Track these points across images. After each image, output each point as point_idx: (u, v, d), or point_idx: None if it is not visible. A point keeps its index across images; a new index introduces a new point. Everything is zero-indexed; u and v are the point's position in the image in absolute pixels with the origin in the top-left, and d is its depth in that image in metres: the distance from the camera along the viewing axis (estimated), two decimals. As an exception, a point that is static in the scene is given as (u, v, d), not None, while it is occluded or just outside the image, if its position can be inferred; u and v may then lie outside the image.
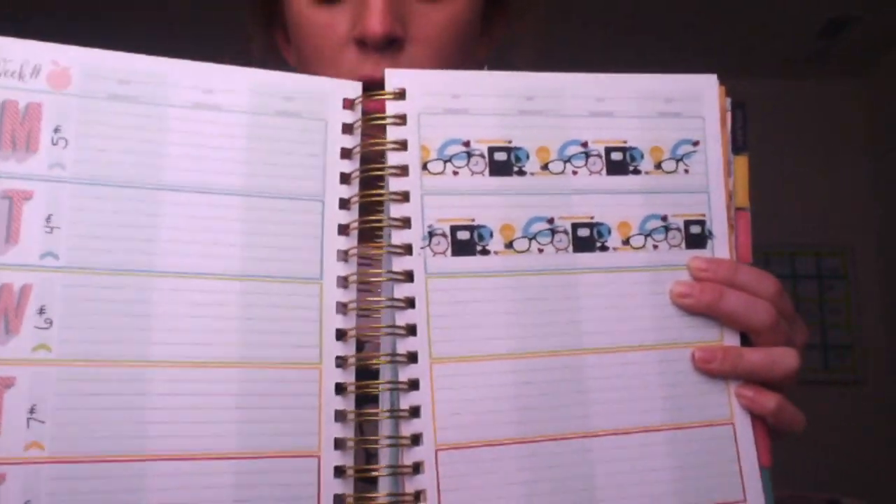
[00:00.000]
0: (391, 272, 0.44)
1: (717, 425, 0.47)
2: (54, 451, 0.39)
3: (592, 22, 3.38)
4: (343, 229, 0.45)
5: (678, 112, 0.49)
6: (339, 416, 0.43)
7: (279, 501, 0.42)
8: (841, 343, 3.69)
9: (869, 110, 3.80)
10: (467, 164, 0.46)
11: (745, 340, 0.48)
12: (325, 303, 0.44)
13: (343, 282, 0.45)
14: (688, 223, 0.48)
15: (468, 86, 0.47)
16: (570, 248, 0.46)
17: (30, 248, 0.41)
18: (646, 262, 0.47)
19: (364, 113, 0.47)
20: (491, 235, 0.45)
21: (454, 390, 0.44)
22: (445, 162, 0.46)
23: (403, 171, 0.45)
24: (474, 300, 0.45)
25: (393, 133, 0.45)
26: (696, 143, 0.49)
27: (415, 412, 0.43)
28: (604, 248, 0.47)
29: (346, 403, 0.43)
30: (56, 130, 0.42)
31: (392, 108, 0.46)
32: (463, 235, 0.45)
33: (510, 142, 0.46)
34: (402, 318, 0.44)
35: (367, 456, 0.44)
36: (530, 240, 0.46)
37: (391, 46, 0.55)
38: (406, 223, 0.45)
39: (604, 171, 0.47)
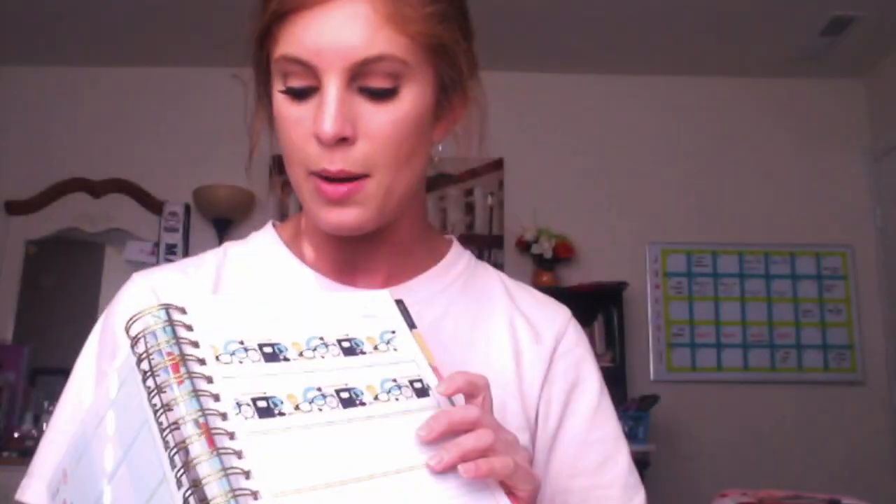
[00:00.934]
0: (215, 429, 0.52)
1: None
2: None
3: (597, 21, 3.38)
4: (166, 444, 0.52)
5: (374, 314, 0.66)
6: None
7: None
8: (841, 343, 3.70)
9: (869, 110, 3.80)
10: (247, 356, 0.58)
11: None
12: (175, 497, 0.51)
13: (179, 482, 0.51)
14: (411, 381, 0.63)
15: (233, 308, 0.60)
16: (339, 406, 0.59)
17: None
18: (393, 409, 0.61)
19: None
20: (282, 402, 0.57)
21: None
22: (231, 354, 0.57)
23: (201, 361, 0.55)
24: (285, 448, 0.54)
25: (186, 336, 0.56)
26: (393, 332, 0.66)
27: None
28: (363, 404, 0.60)
29: None
30: None
31: (178, 319, 0.57)
32: (262, 403, 0.56)
33: (270, 339, 0.60)
34: (235, 463, 0.51)
35: None
36: (310, 403, 0.58)
37: (343, 143, 0.67)
38: (216, 397, 0.54)
39: (341, 354, 0.62)
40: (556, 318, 0.84)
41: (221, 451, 0.51)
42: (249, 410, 0.54)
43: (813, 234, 3.72)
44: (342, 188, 0.68)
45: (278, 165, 0.80)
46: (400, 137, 0.68)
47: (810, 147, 3.78)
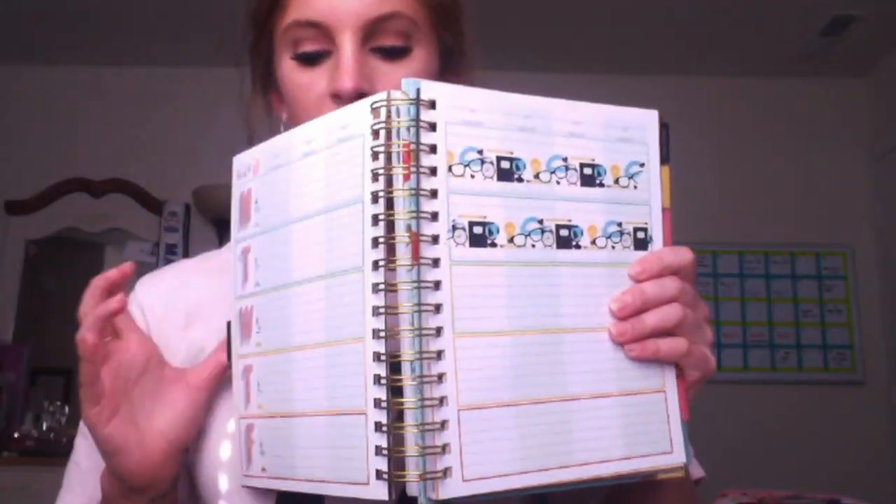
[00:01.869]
0: (418, 260, 0.51)
1: (653, 392, 0.58)
2: (265, 411, 0.60)
3: (595, 21, 3.38)
4: (375, 219, 0.52)
5: (631, 138, 0.59)
6: (376, 379, 0.51)
7: (347, 450, 0.53)
8: (841, 343, 3.69)
9: (870, 110, 3.80)
10: (481, 170, 0.54)
11: None
12: (366, 284, 0.52)
13: (376, 264, 0.52)
14: (636, 229, 0.59)
15: (482, 102, 0.55)
16: (554, 245, 0.56)
17: (251, 282, 0.62)
18: (607, 259, 0.57)
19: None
20: (498, 231, 0.54)
21: (471, 360, 0.52)
22: (465, 166, 0.53)
23: (432, 171, 0.52)
24: (484, 285, 0.53)
25: (425, 137, 0.52)
26: (642, 165, 0.60)
27: (440, 378, 0.51)
28: (578, 247, 0.57)
29: (382, 369, 0.51)
30: (256, 202, 0.62)
31: (425, 115, 0.52)
32: (478, 230, 0.53)
33: (512, 153, 0.55)
34: (430, 298, 0.51)
35: (398, 414, 0.51)
36: (526, 236, 0.55)
37: (360, 99, 0.65)
38: (434, 217, 0.52)
39: (579, 183, 0.57)
40: None
41: (423, 284, 0.51)
42: (462, 235, 0.52)
43: (813, 234, 3.71)
44: None
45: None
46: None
47: (810, 147, 3.78)
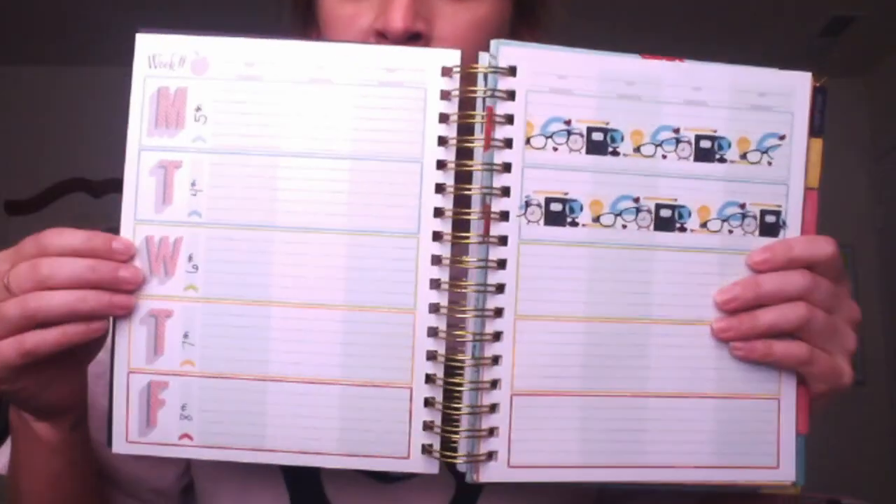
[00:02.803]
0: (488, 235, 0.48)
1: (763, 399, 0.51)
2: (202, 368, 0.50)
3: (595, 21, 3.38)
4: (439, 188, 0.49)
5: (769, 106, 0.51)
6: (430, 355, 0.49)
7: (376, 423, 0.49)
8: (841, 343, 3.69)
9: (870, 110, 3.80)
10: (566, 142, 0.49)
11: None
12: (421, 254, 0.49)
13: (437, 236, 0.49)
14: (764, 212, 0.51)
15: (574, 67, 0.49)
16: (651, 227, 0.49)
17: (180, 208, 0.50)
18: (719, 245, 0.50)
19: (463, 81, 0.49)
20: (581, 209, 0.49)
21: (532, 344, 0.48)
22: (547, 138, 0.48)
23: (507, 143, 0.48)
24: (559, 266, 0.49)
25: (501, 107, 0.48)
26: (782, 137, 0.51)
27: (495, 360, 0.48)
28: (682, 230, 0.50)
29: (437, 346, 0.49)
30: (198, 109, 0.51)
31: (502, 83, 0.48)
32: (556, 207, 0.49)
33: (607, 123, 0.49)
34: (493, 277, 0.48)
35: (449, 394, 0.49)
36: (616, 216, 0.49)
37: (412, 42, 0.55)
38: (505, 192, 0.48)
39: (691, 158, 0.50)
40: None
41: (489, 265, 0.48)
42: (537, 213, 0.48)
43: (813, 234, 3.71)
44: None
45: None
46: (478, 44, 0.53)
47: (810, 147, 3.77)
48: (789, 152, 0.52)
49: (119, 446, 0.51)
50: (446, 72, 0.49)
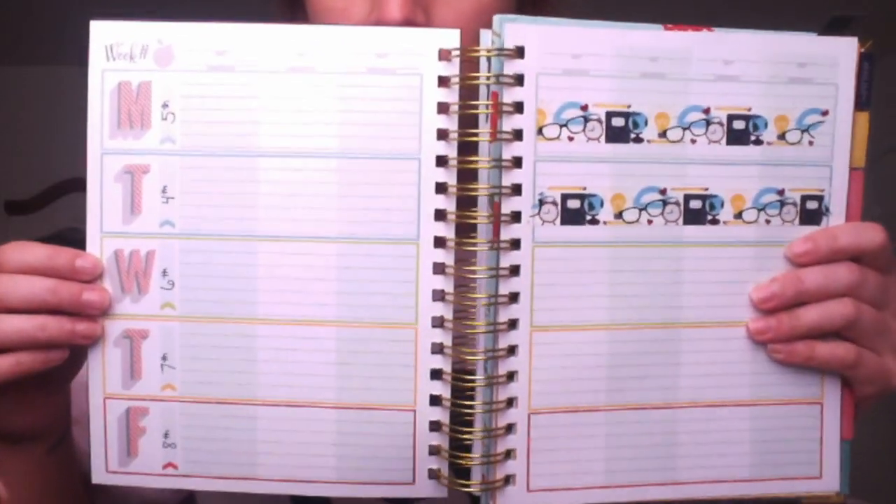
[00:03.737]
0: (498, 240, 0.43)
1: (804, 404, 0.47)
2: (184, 392, 0.46)
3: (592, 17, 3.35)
4: (440, 188, 0.44)
5: (810, 78, 0.45)
6: (435, 374, 0.45)
7: (377, 448, 0.45)
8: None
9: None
10: (583, 130, 0.43)
11: None
12: (422, 263, 0.44)
13: (440, 242, 0.44)
14: (805, 198, 0.46)
15: (589, 44, 0.43)
16: (680, 221, 0.44)
17: (151, 218, 0.45)
18: (755, 237, 0.45)
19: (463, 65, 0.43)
20: (601, 205, 0.44)
21: (551, 358, 0.44)
22: (561, 127, 0.43)
23: (516, 135, 0.42)
24: (578, 270, 0.44)
25: (508, 94, 0.42)
26: (824, 113, 0.46)
27: (511, 377, 0.44)
28: (714, 222, 0.45)
29: (443, 363, 0.44)
30: (164, 106, 0.45)
31: (509, 66, 0.42)
32: (573, 204, 0.43)
33: (629, 106, 0.43)
34: (505, 286, 0.43)
35: (457, 416, 0.45)
36: (640, 210, 0.44)
37: None
38: (516, 190, 0.43)
39: (723, 141, 0.44)
40: None
41: (500, 272, 0.43)
42: (552, 212, 0.43)
43: (813, 234, 3.69)
44: None
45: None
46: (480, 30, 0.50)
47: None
48: (832, 129, 0.46)
49: (99, 476, 0.47)
50: (444, 55, 0.43)
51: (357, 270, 0.45)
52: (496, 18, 0.43)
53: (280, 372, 0.46)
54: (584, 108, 0.43)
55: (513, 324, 0.43)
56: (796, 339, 0.45)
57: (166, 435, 0.46)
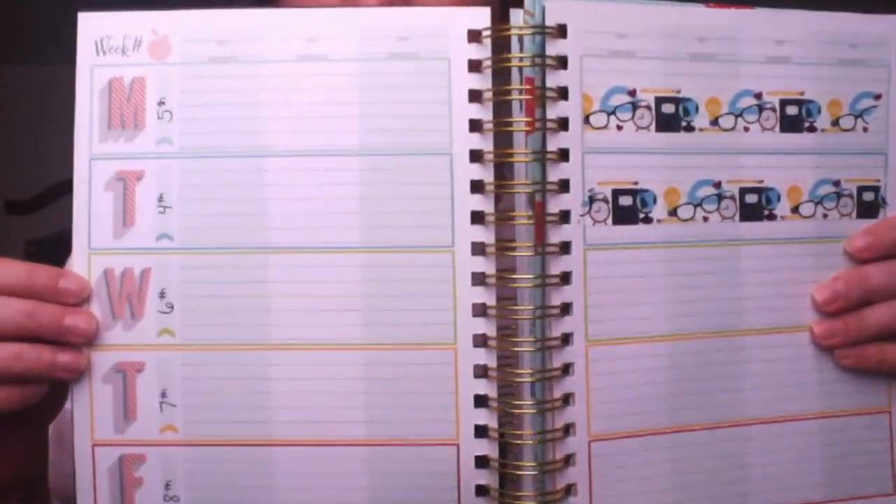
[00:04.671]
0: (545, 244, 0.38)
1: (872, 413, 0.44)
2: (188, 435, 0.40)
3: None
4: (476, 186, 0.39)
5: (862, 59, 0.42)
6: (480, 401, 0.39)
7: (417, 491, 0.40)
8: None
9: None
10: (632, 118, 0.39)
11: None
12: (459, 273, 0.39)
13: (479, 248, 0.39)
14: (861, 189, 0.43)
15: (635, 23, 0.39)
16: (737, 217, 0.41)
17: (146, 231, 0.40)
18: (814, 232, 0.42)
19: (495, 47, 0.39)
20: (654, 201, 0.40)
21: (610, 375, 0.40)
22: (609, 114, 0.39)
23: (561, 124, 0.38)
24: (633, 274, 0.40)
25: (551, 78, 0.38)
26: (878, 97, 0.43)
27: (566, 400, 0.39)
28: (771, 217, 0.41)
29: (489, 387, 0.39)
30: (161, 104, 0.41)
31: (550, 47, 0.38)
32: (626, 201, 0.40)
33: (679, 91, 0.40)
34: (555, 296, 0.39)
35: (506, 448, 0.40)
36: (696, 207, 0.40)
37: None
38: (563, 186, 0.38)
39: (777, 128, 0.41)
40: None
41: (548, 279, 0.38)
42: (604, 210, 0.39)
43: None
44: None
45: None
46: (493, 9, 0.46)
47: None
48: (886, 114, 0.43)
49: None
50: (474, 36, 0.39)
51: (384, 284, 0.40)
52: None
53: (299, 406, 0.40)
54: (632, 93, 0.39)
55: (566, 339, 0.39)
56: (865, 342, 0.42)
57: (167, 486, 0.40)
